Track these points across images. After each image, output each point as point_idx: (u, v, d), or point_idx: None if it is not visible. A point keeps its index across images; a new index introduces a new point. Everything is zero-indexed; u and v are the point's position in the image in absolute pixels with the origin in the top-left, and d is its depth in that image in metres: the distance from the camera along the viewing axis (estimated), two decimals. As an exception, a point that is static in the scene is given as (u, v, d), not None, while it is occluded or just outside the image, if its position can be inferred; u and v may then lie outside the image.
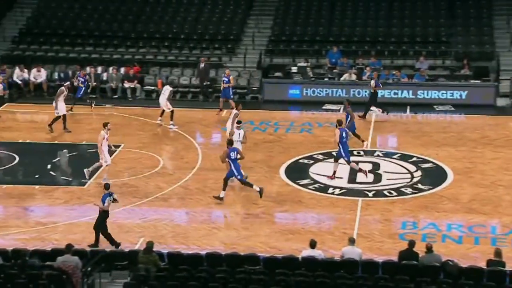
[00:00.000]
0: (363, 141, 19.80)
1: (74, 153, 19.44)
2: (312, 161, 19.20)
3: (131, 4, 28.27)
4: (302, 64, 25.57)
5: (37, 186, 17.37)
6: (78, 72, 23.79)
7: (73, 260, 12.09)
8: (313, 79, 24.89)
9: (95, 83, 24.80)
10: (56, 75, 25.08)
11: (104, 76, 25.17)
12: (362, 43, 26.73)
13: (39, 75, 24.68)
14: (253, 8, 28.55)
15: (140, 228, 15.39)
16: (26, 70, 24.87)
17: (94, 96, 24.08)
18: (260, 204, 16.66)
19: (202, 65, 24.61)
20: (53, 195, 16.92)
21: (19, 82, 24.85)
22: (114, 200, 14.58)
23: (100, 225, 14.34)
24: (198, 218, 16.05)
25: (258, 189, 16.54)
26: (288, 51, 26.49)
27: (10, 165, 18.51)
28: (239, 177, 16.60)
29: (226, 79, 22.75)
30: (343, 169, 18.27)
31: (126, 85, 24.89)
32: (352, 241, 12.92)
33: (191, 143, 20.68)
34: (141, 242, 14.50)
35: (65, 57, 26.32)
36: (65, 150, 19.62)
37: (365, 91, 24.22)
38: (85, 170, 17.54)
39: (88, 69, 25.10)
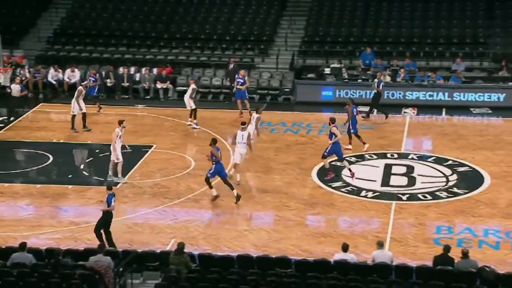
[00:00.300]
0: (364, 143, 19.70)
1: (106, 153, 19.67)
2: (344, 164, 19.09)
3: (165, 5, 28.52)
4: (336, 65, 25.47)
5: (70, 186, 17.64)
6: (88, 72, 24.08)
7: (106, 260, 12.24)
8: (346, 80, 24.77)
9: (127, 84, 25.10)
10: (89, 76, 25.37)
11: (137, 76, 25.44)
12: (397, 44, 26.51)
13: (73, 75, 25.05)
14: (286, 8, 28.55)
15: (172, 229, 15.52)
16: (60, 70, 25.27)
17: (101, 95, 24.14)
18: (292, 206, 16.67)
19: (231, 66, 24.71)
20: (86, 195, 17.17)
21: (54, 82, 25.24)
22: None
23: (101, 227, 14.36)
24: (230, 220, 16.11)
25: (235, 194, 16.56)
26: (321, 52, 26.42)
27: (44, 164, 18.82)
28: (208, 174, 16.51)
29: (241, 81, 22.79)
30: (376, 172, 18.14)
31: (159, 85, 25.12)
32: (380, 245, 12.82)
33: (223, 144, 20.76)
34: (172, 243, 14.61)
35: (99, 57, 26.68)
36: (97, 150, 19.90)
37: (399, 93, 24.01)
38: (109, 178, 17.66)
39: (121, 69, 25.42)
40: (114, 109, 23.66)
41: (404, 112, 22.97)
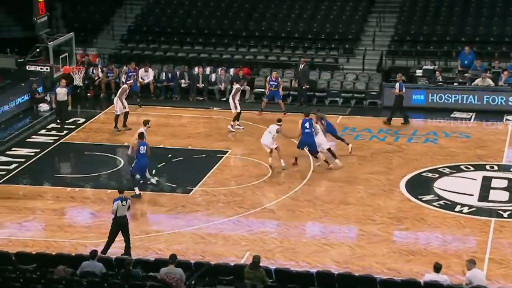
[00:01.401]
0: (347, 144, 19.83)
1: (179, 158, 20.04)
2: (437, 175, 18.70)
3: (244, 1, 28.80)
4: (429, 67, 24.97)
5: (141, 192, 18.05)
6: (127, 67, 24.40)
7: (177, 272, 12.44)
8: (440, 83, 24.23)
9: (202, 85, 25.49)
10: (163, 76, 25.95)
11: (213, 77, 25.80)
12: (500, 44, 25.71)
13: (146, 75, 25.60)
14: (374, 4, 28.25)
15: (246, 241, 15.62)
16: (135, 69, 25.74)
17: (175, 97, 24.47)
18: (377, 221, 16.46)
19: (302, 66, 24.69)
20: (157, 202, 17.54)
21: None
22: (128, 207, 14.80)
23: (112, 231, 14.69)
24: (309, 233, 16.08)
25: (137, 193, 17.00)
26: (413, 52, 25.96)
27: (115, 169, 19.38)
28: (131, 169, 17.43)
29: (275, 83, 22.93)
30: (473, 185, 17.65)
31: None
32: (472, 263, 12.40)
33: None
34: (247, 256, 14.72)
35: (173, 56, 27.21)
36: (169, 155, 20.31)
37: (501, 98, 23.30)
38: (151, 181, 18.13)
39: (196, 69, 25.82)
40: (188, 111, 24.09)
41: (507, 120, 22.24)
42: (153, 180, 18.22)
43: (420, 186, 18.17)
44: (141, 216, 16.94)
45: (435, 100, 23.93)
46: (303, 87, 24.63)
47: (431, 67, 24.90)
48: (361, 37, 27.03)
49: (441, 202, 17.26)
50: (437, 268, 12.46)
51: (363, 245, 15.44)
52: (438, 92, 23.95)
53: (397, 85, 22.54)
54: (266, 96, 23.47)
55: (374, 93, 24.80)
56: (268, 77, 23.50)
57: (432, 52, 25.87)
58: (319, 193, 17.99)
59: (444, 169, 19.00)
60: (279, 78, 23.35)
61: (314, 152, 19.15)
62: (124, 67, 24.94)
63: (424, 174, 18.83)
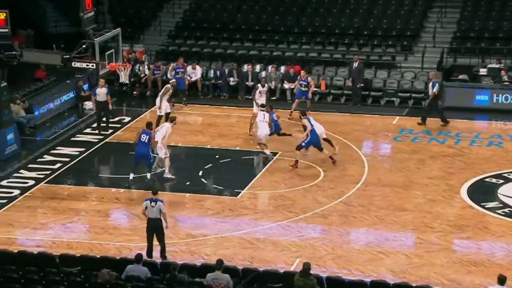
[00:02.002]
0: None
1: (227, 160, 20.16)
2: (501, 181, 18.40)
3: (296, -4, 28.84)
4: (494, 65, 24.54)
5: (187, 194, 18.24)
6: (175, 63, 24.53)
7: (224, 278, 12.52)
8: (506, 83, 23.77)
9: (252, 83, 25.57)
10: (211, 73, 26.13)
11: (262, 75, 25.85)
12: None
13: (193, 72, 25.82)
14: (435, -1, 27.96)
15: (296, 247, 15.62)
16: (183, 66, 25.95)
17: (223, 95, 24.67)
18: (436, 228, 16.28)
19: (355, 64, 24.52)
20: (204, 205, 17.68)
21: (173, 79, 25.99)
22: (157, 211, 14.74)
23: (146, 234, 14.83)
24: (363, 240, 15.99)
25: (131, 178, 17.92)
26: (477, 49, 25.55)
27: (160, 170, 19.59)
28: (151, 160, 18.12)
29: (304, 82, 22.87)
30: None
31: (286, 85, 25.38)
32: (502, 281, 12.09)
33: (356, 153, 20.64)
34: (297, 263, 14.72)
35: (222, 53, 27.38)
36: (217, 156, 20.45)
37: None
38: (165, 176, 18.64)
39: (245, 66, 25.93)
40: (236, 110, 24.21)
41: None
42: (131, 177, 18.43)
43: (483, 192, 17.89)
44: (187, 219, 17.09)
45: (500, 101, 23.52)
46: (358, 86, 24.48)
47: (497, 66, 24.47)
48: (421, 34, 26.73)
49: (506, 209, 16.95)
50: (502, 280, 12.21)
51: (420, 254, 15.27)
52: (504, 93, 23.54)
53: (430, 84, 22.30)
54: (296, 96, 23.32)
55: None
56: (298, 76, 23.33)
57: (498, 50, 25.40)
58: (373, 198, 17.87)
59: (509, 175, 18.67)
60: (309, 78, 23.23)
61: (320, 148, 19.43)
62: (172, 64, 25.17)
63: (487, 179, 18.52)
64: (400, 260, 15.03)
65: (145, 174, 18.55)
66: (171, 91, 22.11)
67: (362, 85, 24.56)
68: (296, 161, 19.32)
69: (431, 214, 16.93)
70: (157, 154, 19.02)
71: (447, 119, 22.43)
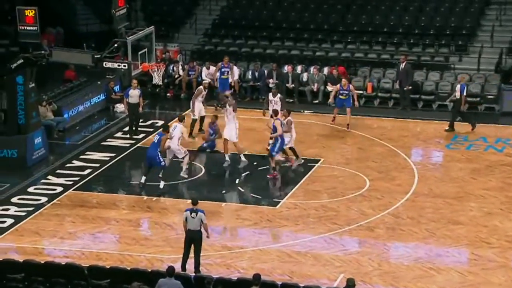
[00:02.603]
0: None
1: (266, 167, 20.14)
2: None
3: (337, -8, 28.75)
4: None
5: (223, 204, 18.26)
6: (220, 63, 24.54)
7: (262, 293, 12.47)
8: None
9: (292, 85, 25.53)
10: (249, 74, 26.16)
11: (304, 76, 25.82)
12: None
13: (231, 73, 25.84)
14: (494, -6, 27.61)
15: (340, 262, 15.53)
16: (214, 68, 26.01)
17: (262, 98, 24.59)
18: (493, 244, 16.07)
19: (402, 65, 24.28)
20: (241, 215, 17.68)
21: (209, 80, 26.10)
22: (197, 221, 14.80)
23: (184, 245, 14.89)
24: (412, 255, 15.82)
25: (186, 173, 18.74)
26: (539, 49, 25.21)
27: (195, 177, 19.67)
28: (161, 163, 18.48)
29: (346, 91, 22.54)
30: None
31: (329, 88, 25.25)
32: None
33: (405, 161, 20.46)
34: (341, 278, 14.64)
35: (261, 53, 27.44)
36: (255, 163, 20.39)
37: None
38: (182, 174, 19.03)
39: (286, 67, 25.90)
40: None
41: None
42: (142, 180, 18.80)
43: (545, 205, 17.59)
44: (223, 230, 17.10)
45: None
46: (405, 89, 24.26)
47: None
48: (477, 32, 26.45)
49: None
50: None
51: (476, 271, 15.08)
52: None
53: (458, 86, 22.12)
54: (336, 104, 22.93)
55: (491, 96, 24.20)
56: (338, 85, 22.96)
57: None
58: (424, 210, 17.69)
59: None
60: (350, 86, 22.90)
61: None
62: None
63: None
64: (453, 278, 14.86)
65: (178, 181, 18.72)
66: (204, 92, 22.15)
67: (410, 87, 24.33)
68: (274, 168, 19.23)
69: (488, 228, 16.71)
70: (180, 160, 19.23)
71: (476, 124, 22.32)
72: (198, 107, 22.03)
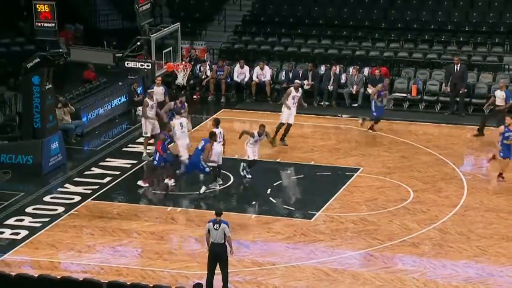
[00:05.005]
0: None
1: (300, 176, 20.13)
2: None
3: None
4: None
5: (253, 216, 18.29)
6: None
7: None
8: None
9: (330, 87, 25.48)
10: (282, 75, 26.17)
11: (342, 78, 25.78)
12: None
13: (262, 74, 25.95)
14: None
15: (381, 281, 15.48)
16: (247, 68, 26.12)
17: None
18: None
19: (457, 67, 24.06)
20: (272, 228, 17.69)
21: (239, 81, 26.16)
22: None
23: (208, 260, 14.88)
24: (461, 274, 15.71)
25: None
26: None
27: (223, 186, 19.71)
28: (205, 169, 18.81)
29: (381, 105, 22.55)
30: None
31: (370, 90, 25.18)
32: None
33: (453, 171, 20.33)
34: (382, 299, 14.61)
35: (295, 52, 27.44)
36: (288, 171, 20.43)
37: None
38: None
39: (323, 68, 25.89)
40: (311, 118, 24.16)
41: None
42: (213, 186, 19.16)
43: None
44: (253, 244, 17.11)
45: None
46: (460, 92, 24.04)
47: None
48: (534, 29, 26.25)
49: None
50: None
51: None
52: None
53: (504, 92, 22.16)
54: (375, 114, 22.75)
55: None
56: (379, 91, 22.79)
57: None
58: (474, 225, 17.57)
59: None
60: (383, 92, 22.90)
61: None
62: (237, 65, 25.19)
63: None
64: (506, 299, 14.76)
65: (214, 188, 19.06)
66: (294, 94, 21.87)
67: (466, 90, 24.13)
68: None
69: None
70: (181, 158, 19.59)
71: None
72: (287, 113, 21.75)
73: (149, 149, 21.19)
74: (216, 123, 19.67)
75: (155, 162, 19.50)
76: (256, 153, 19.69)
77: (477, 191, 19.17)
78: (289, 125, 21.84)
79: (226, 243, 14.82)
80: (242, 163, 19.80)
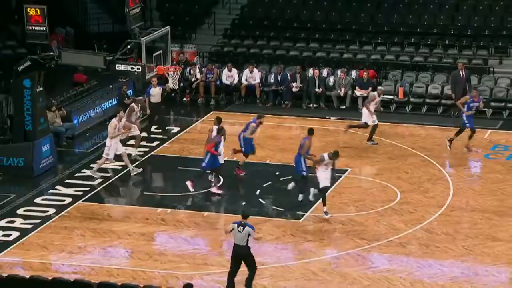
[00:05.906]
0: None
1: (289, 177, 20.14)
2: None
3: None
4: None
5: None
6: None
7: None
8: None
9: (319, 89, 25.50)
10: (271, 78, 26.19)
11: (331, 80, 25.81)
12: None
13: (251, 76, 25.97)
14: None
15: (369, 280, 15.49)
16: (236, 70, 26.13)
17: (286, 103, 24.69)
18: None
19: (462, 72, 23.95)
20: (261, 229, 17.64)
21: (228, 83, 26.15)
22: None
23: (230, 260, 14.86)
24: (447, 274, 15.74)
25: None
26: None
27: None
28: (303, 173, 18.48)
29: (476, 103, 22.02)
30: None
31: (358, 92, 25.26)
32: None
33: (440, 172, 20.39)
34: (369, 299, 14.63)
35: (284, 55, 27.48)
36: (277, 173, 20.45)
37: None
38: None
39: (311, 71, 25.93)
40: (300, 121, 24.20)
41: None
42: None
43: None
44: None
45: None
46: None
47: None
48: (518, 33, 26.35)
49: None
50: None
51: (515, 292, 14.99)
52: None
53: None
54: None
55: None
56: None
57: None
58: (460, 225, 17.61)
59: None
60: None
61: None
62: (226, 68, 25.14)
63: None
64: (491, 299, 14.80)
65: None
66: (377, 99, 21.92)
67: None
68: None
69: (529, 246, 16.62)
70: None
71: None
72: (367, 114, 21.76)
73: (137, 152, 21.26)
74: (219, 121, 19.74)
75: (204, 164, 19.17)
76: (329, 179, 18.05)
77: (462, 192, 19.23)
78: (375, 126, 21.94)
79: (249, 244, 14.71)
80: (311, 189, 18.58)
